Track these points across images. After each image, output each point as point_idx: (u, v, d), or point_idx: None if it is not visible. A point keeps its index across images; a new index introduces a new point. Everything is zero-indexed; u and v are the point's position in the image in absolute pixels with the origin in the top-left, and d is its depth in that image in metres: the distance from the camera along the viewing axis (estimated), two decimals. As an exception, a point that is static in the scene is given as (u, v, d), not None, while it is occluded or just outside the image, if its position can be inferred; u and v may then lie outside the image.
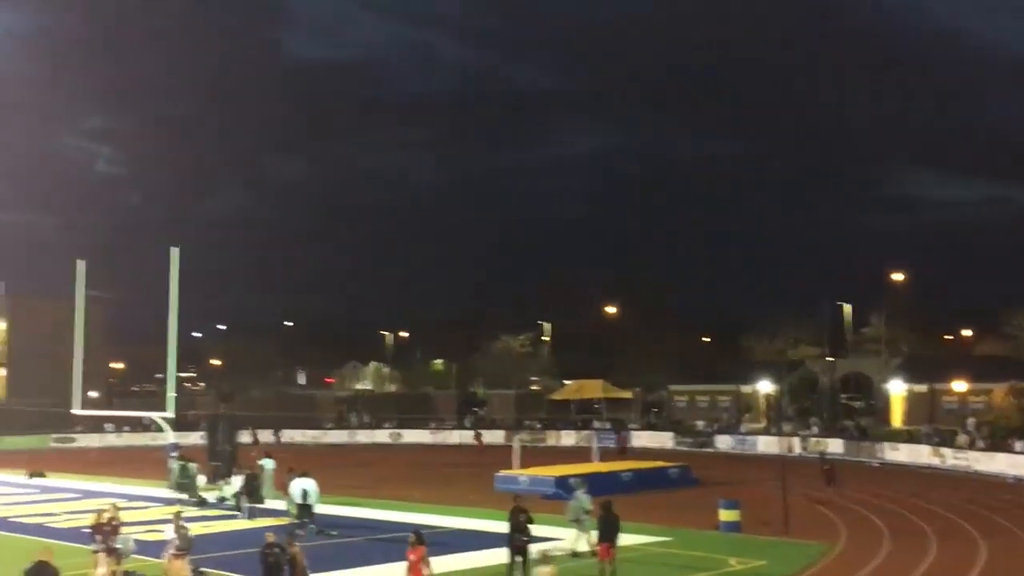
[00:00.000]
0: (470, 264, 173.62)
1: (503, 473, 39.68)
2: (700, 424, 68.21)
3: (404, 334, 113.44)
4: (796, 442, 56.39)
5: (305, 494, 29.17)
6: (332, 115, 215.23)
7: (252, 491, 33.74)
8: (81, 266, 43.42)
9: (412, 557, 17.92)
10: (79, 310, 43.35)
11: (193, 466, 38.10)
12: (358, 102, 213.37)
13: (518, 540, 21.07)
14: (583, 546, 24.03)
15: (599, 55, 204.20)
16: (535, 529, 21.75)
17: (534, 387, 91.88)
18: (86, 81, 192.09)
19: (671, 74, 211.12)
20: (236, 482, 34.84)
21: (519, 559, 20.93)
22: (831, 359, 73.46)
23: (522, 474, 39.05)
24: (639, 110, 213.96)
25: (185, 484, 37.07)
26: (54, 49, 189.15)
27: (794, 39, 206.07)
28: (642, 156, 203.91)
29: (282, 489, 31.81)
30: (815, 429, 59.40)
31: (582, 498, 24.79)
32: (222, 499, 35.20)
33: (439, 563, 23.31)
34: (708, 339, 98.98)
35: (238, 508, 33.22)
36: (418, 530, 18.71)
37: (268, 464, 35.81)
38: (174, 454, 39.24)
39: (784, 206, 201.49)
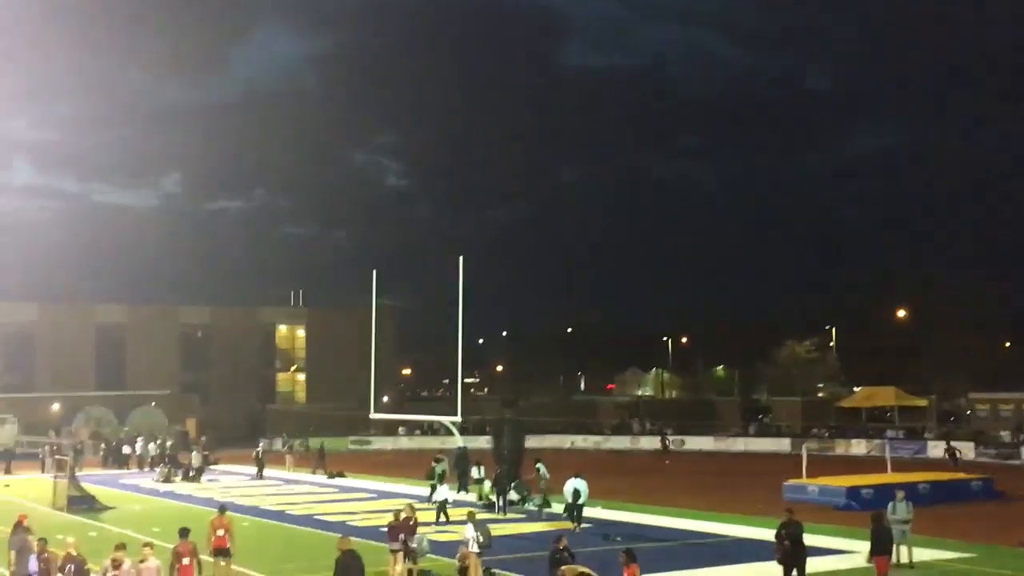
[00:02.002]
0: (752, 269, 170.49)
1: (791, 482, 38.50)
2: (1004, 434, 64.07)
3: (685, 340, 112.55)
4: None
5: (576, 494, 30.52)
6: (612, 122, 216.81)
7: (505, 490, 35.37)
8: (375, 276, 45.47)
9: (626, 574, 17.46)
10: (374, 318, 45.37)
11: (441, 466, 39.39)
12: (638, 108, 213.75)
13: (785, 551, 20.35)
14: (903, 557, 23.16)
15: (884, 53, 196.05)
16: (824, 542, 20.94)
17: (821, 394, 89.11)
18: (375, 99, 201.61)
19: (957, 72, 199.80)
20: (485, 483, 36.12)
21: (797, 570, 20.22)
22: None
23: (811, 483, 37.77)
24: (926, 108, 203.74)
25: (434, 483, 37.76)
26: (344, 71, 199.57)
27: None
28: (939, 153, 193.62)
29: (558, 490, 33.02)
30: None
31: (900, 507, 23.72)
32: (510, 502, 35.86)
33: (717, 573, 22.91)
34: (1012, 343, 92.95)
35: (495, 505, 34.79)
36: (630, 548, 18.22)
37: (542, 468, 36.38)
38: (440, 457, 40.45)
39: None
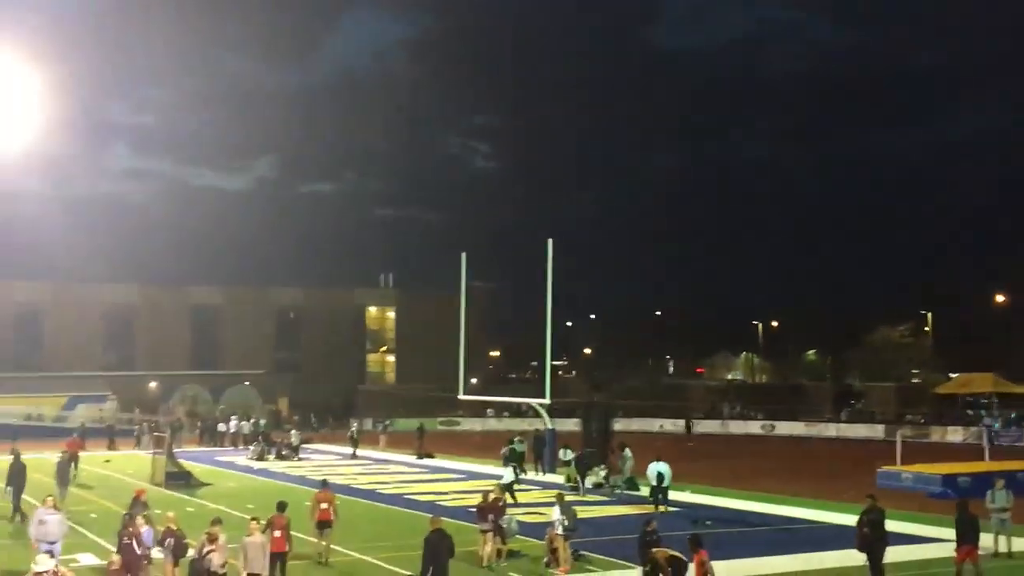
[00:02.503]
0: (844, 252, 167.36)
1: (885, 469, 37.89)
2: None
3: (775, 324, 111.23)
4: None
5: (660, 476, 30.76)
6: (704, 103, 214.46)
7: (586, 473, 35.88)
8: (464, 259, 45.70)
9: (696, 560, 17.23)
10: (463, 300, 45.64)
11: (521, 447, 40.60)
12: (730, 88, 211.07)
13: (864, 537, 20.02)
14: (1001, 547, 22.76)
15: (993, 29, 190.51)
16: (915, 529, 20.57)
17: (915, 380, 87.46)
18: (466, 82, 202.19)
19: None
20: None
21: (875, 557, 19.88)
22: None
23: (906, 470, 37.11)
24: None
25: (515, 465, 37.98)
26: (436, 53, 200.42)
27: None
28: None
29: (641, 473, 33.32)
30: None
31: (999, 495, 23.23)
32: (597, 485, 35.91)
33: (802, 560, 22.66)
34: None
35: (580, 487, 34.97)
36: (696, 535, 18.06)
37: (627, 452, 36.36)
38: (516, 439, 41.29)
39: None
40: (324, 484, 23.86)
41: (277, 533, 19.07)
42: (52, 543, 19.54)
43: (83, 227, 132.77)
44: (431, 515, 19.87)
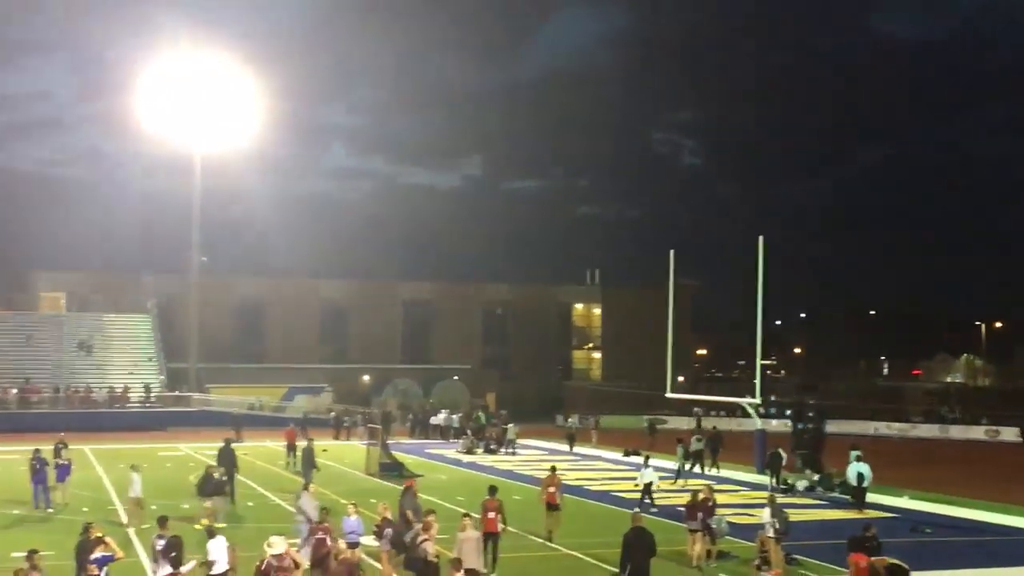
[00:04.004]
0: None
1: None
2: None
3: (1000, 325, 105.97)
4: None
5: (860, 477, 30.63)
6: (921, 94, 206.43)
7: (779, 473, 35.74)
8: (672, 256, 45.31)
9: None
10: (671, 298, 45.26)
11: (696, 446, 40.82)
12: (949, 79, 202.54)
13: None
14: None
15: None
16: None
17: None
18: (672, 78, 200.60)
19: None
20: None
21: None
22: None
23: None
24: None
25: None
26: (640, 50, 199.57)
27: None
28: None
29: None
30: None
31: None
32: (809, 487, 35.02)
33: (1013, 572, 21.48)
34: None
35: (793, 489, 34.77)
36: (858, 536, 17.38)
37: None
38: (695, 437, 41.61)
39: None
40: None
41: (491, 515, 20.47)
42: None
43: (302, 224, 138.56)
44: (633, 511, 19.85)
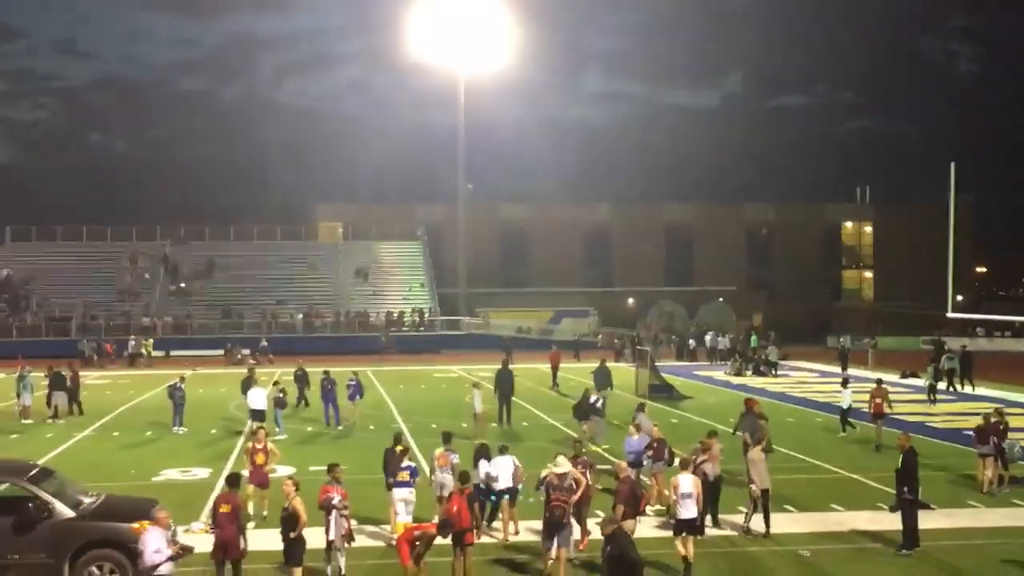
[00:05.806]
0: None
1: None
2: None
3: None
4: None
5: None
6: None
7: None
8: (952, 169, 42.88)
9: None
10: (951, 215, 42.97)
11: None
12: None
13: None
14: None
15: None
16: None
17: None
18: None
19: None
20: None
21: None
22: None
23: None
24: None
25: None
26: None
27: None
28: None
29: None
30: None
31: None
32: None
33: None
34: None
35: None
36: None
37: None
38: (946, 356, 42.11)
39: None
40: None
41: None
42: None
43: (559, 150, 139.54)
44: (901, 432, 19.16)
